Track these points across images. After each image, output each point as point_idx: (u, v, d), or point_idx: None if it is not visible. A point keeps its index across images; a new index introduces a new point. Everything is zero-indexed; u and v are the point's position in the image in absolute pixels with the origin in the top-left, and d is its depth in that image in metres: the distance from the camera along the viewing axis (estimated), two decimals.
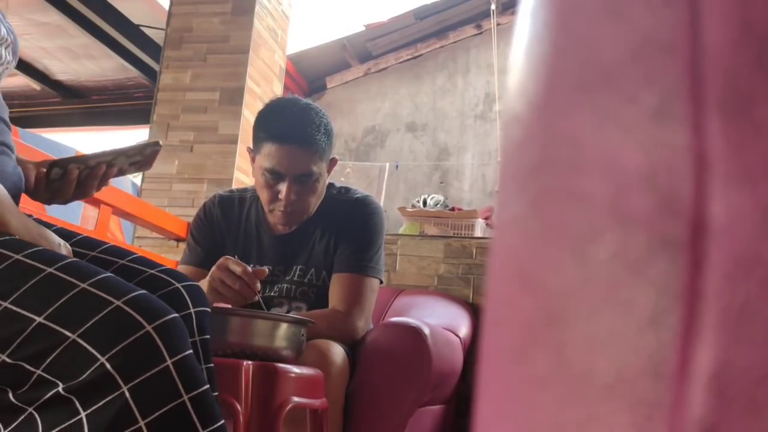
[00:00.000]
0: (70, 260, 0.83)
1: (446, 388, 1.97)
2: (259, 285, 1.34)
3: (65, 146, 3.96)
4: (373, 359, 1.54)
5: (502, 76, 4.42)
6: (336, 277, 1.57)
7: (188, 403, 0.75)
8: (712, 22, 0.16)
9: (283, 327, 1.22)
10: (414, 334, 1.59)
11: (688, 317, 0.15)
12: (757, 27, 0.15)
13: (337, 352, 1.45)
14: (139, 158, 1.17)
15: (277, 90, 3.53)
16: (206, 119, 3.21)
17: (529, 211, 0.20)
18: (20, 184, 0.98)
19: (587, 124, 0.18)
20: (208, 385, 0.79)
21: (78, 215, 3.57)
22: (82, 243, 1.04)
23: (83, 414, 0.71)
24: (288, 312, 1.57)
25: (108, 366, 0.72)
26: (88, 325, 0.75)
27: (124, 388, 0.72)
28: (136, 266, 0.99)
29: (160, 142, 1.18)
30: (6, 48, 0.98)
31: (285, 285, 1.60)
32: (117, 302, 0.76)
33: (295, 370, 1.21)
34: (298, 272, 1.61)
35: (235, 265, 1.33)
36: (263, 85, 3.38)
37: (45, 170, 1.08)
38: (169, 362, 0.75)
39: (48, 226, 1.05)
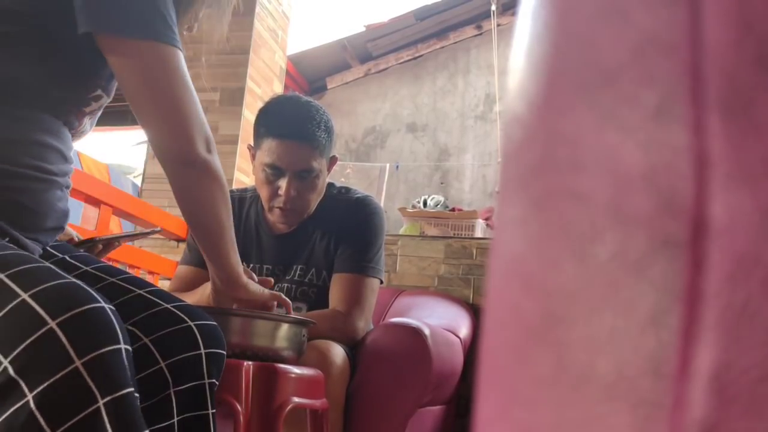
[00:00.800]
0: (9, 252, 0.77)
1: (446, 388, 1.97)
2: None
3: None
4: (374, 360, 1.54)
5: (502, 77, 4.42)
6: (336, 278, 1.57)
7: (103, 410, 0.65)
8: (713, 22, 0.16)
9: (285, 327, 1.22)
10: (414, 334, 1.59)
11: (688, 317, 0.15)
12: (756, 27, 0.15)
13: (338, 352, 1.45)
14: (141, 237, 1.44)
15: (278, 90, 3.53)
16: (207, 120, 3.21)
17: (530, 211, 0.20)
18: (63, 222, 0.99)
19: (587, 124, 0.18)
20: (131, 389, 0.69)
21: (78, 215, 3.57)
22: (102, 269, 1.04)
23: None
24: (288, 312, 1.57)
25: (11, 370, 0.64)
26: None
27: (29, 396, 0.63)
28: (151, 298, 0.98)
29: (161, 229, 1.39)
30: (91, 117, 1.04)
31: (285, 285, 1.60)
32: (23, 295, 0.67)
33: (296, 370, 1.21)
34: (298, 272, 1.61)
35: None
36: (263, 85, 3.38)
37: (77, 242, 1.20)
38: (77, 363, 0.65)
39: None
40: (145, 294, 0.97)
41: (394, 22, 4.97)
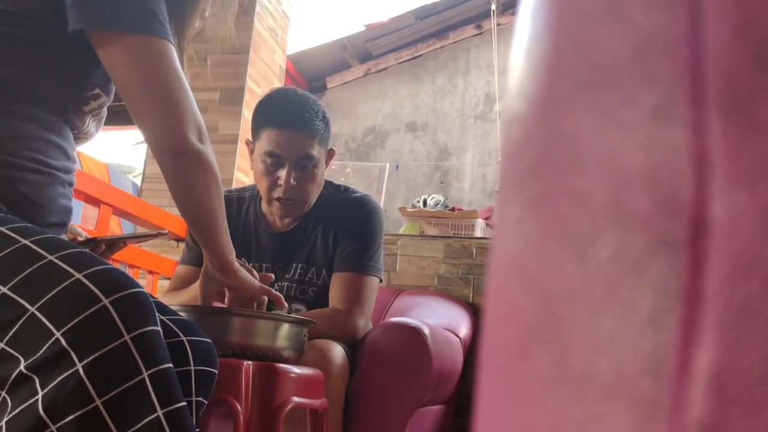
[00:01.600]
0: (49, 235, 0.82)
1: (446, 388, 1.97)
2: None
3: None
4: (374, 359, 1.54)
5: (502, 77, 4.42)
6: (336, 276, 1.57)
7: (147, 381, 0.72)
8: (712, 22, 0.16)
9: (285, 327, 1.22)
10: (414, 334, 1.59)
11: (688, 317, 0.15)
12: (756, 27, 0.15)
13: (338, 352, 1.45)
14: (147, 239, 1.36)
15: None
16: (206, 119, 3.19)
17: (530, 210, 0.20)
18: (65, 218, 0.99)
19: (587, 124, 0.18)
20: (171, 364, 0.76)
21: (78, 215, 3.57)
22: None
23: (40, 394, 0.68)
24: (288, 311, 1.57)
25: (63, 341, 0.69)
26: (47, 297, 0.72)
27: (79, 366, 0.69)
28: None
29: (167, 232, 1.37)
30: (95, 119, 1.05)
31: (285, 283, 1.61)
32: (78, 275, 0.74)
33: (296, 370, 1.21)
34: (298, 271, 1.61)
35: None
36: (263, 85, 3.38)
37: (80, 240, 1.20)
38: (126, 337, 0.71)
39: None
40: None
41: (393, 22, 4.97)
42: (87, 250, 0.86)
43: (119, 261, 2.29)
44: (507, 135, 0.22)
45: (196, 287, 1.42)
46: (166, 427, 0.72)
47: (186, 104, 0.98)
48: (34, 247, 0.78)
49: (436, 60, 5.12)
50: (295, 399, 1.16)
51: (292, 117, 1.53)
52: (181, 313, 1.18)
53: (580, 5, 0.19)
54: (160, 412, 0.72)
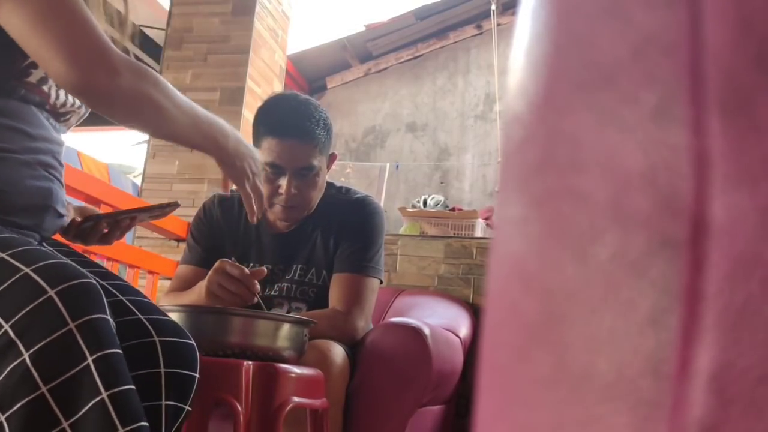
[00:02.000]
0: (6, 235, 0.83)
1: (446, 388, 1.97)
2: (258, 286, 1.33)
3: (68, 147, 3.96)
4: (374, 359, 1.54)
5: (502, 77, 4.42)
6: (336, 277, 1.57)
7: (92, 365, 0.73)
8: (712, 22, 0.16)
9: (286, 327, 1.22)
10: (414, 334, 1.59)
11: (688, 317, 0.15)
12: (756, 27, 0.15)
13: (338, 352, 1.45)
14: (158, 213, 1.26)
15: (278, 90, 3.53)
16: None
17: (530, 210, 0.20)
18: (41, 200, 0.96)
19: (587, 124, 0.18)
20: (118, 350, 0.77)
21: None
22: (95, 273, 1.03)
23: None
24: (288, 311, 1.57)
25: (11, 333, 0.72)
26: None
27: (25, 355, 0.71)
28: (129, 306, 0.96)
29: (179, 203, 1.25)
30: (53, 87, 1.00)
31: (285, 284, 1.60)
32: (26, 269, 0.76)
33: (296, 370, 1.21)
34: (298, 271, 1.61)
35: (233, 268, 1.32)
36: (263, 85, 3.38)
37: (79, 220, 1.15)
38: (71, 325, 0.73)
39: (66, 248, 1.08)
40: (125, 301, 0.97)
41: (394, 22, 4.97)
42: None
43: (120, 261, 2.29)
44: (507, 135, 0.22)
45: (197, 288, 1.43)
46: (110, 408, 0.73)
47: (81, 35, 0.86)
48: None
49: (437, 60, 5.12)
50: (296, 399, 1.16)
51: (293, 126, 1.51)
52: (179, 313, 1.18)
53: (580, 5, 0.19)
54: (104, 395, 0.73)
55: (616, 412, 0.16)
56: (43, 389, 0.71)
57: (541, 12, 0.21)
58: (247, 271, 1.33)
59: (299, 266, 1.61)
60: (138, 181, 3.97)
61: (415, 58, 5.15)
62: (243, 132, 3.19)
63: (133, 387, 0.78)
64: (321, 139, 1.53)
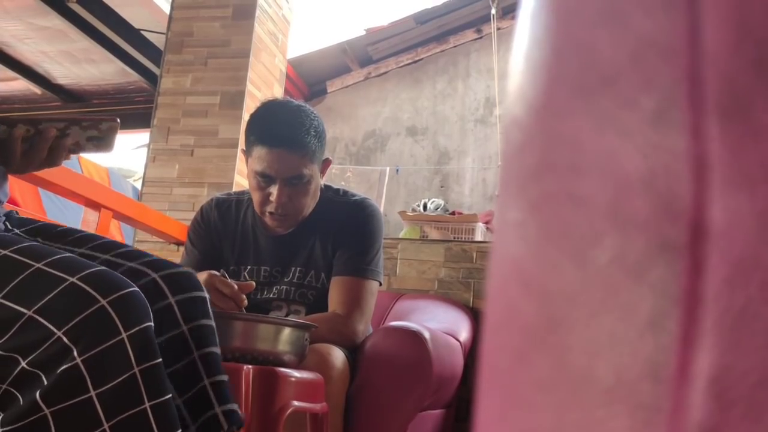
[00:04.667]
0: (27, 243, 0.86)
1: (447, 392, 1.97)
2: (246, 301, 1.34)
3: None
4: (374, 363, 1.54)
5: (502, 81, 4.43)
6: (335, 281, 1.57)
7: (138, 376, 0.77)
8: (711, 27, 0.16)
9: (287, 331, 1.22)
10: (414, 338, 1.59)
11: (687, 321, 0.15)
12: (755, 32, 0.15)
13: (338, 356, 1.45)
14: (96, 134, 1.10)
15: (278, 94, 3.53)
16: (207, 123, 3.22)
17: (530, 214, 0.20)
18: None
19: (587, 128, 0.18)
20: (160, 359, 0.81)
21: (79, 218, 3.57)
22: (76, 240, 1.03)
23: (41, 386, 0.75)
24: (286, 314, 1.57)
25: (65, 339, 0.75)
26: (44, 301, 0.77)
27: (78, 360, 0.75)
28: (118, 260, 0.98)
29: (118, 120, 1.11)
30: None
31: (284, 287, 1.60)
32: (72, 279, 0.79)
33: (296, 374, 1.21)
34: (297, 274, 1.60)
35: (223, 286, 1.33)
36: (264, 89, 3.39)
37: None
38: (124, 335, 0.77)
39: (47, 227, 1.07)
40: (111, 258, 0.99)
41: (394, 26, 4.97)
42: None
43: None
44: (507, 139, 0.22)
45: None
46: (151, 418, 0.78)
47: None
48: (17, 256, 0.82)
49: (437, 64, 5.13)
50: (296, 403, 1.16)
51: (283, 136, 1.50)
52: None
53: (579, 10, 0.19)
54: (147, 404, 0.78)
55: (615, 416, 0.16)
56: (92, 393, 0.75)
57: (540, 16, 0.21)
58: (236, 287, 1.33)
59: (298, 269, 1.60)
60: (138, 185, 3.98)
61: (415, 62, 5.15)
62: (243, 136, 3.19)
63: (170, 396, 0.82)
64: (312, 147, 1.52)
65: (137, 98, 5.59)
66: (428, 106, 5.07)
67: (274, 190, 1.51)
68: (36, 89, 5.45)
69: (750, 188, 0.15)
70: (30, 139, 1.03)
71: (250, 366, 1.13)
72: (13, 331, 0.77)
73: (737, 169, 0.15)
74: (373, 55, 5.17)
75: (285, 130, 1.51)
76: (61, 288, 0.78)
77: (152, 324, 0.82)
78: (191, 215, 3.16)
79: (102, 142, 1.10)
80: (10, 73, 5.07)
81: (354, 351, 1.56)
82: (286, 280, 1.60)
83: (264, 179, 1.52)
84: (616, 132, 0.17)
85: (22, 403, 0.74)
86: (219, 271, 1.38)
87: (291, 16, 3.74)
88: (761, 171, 0.15)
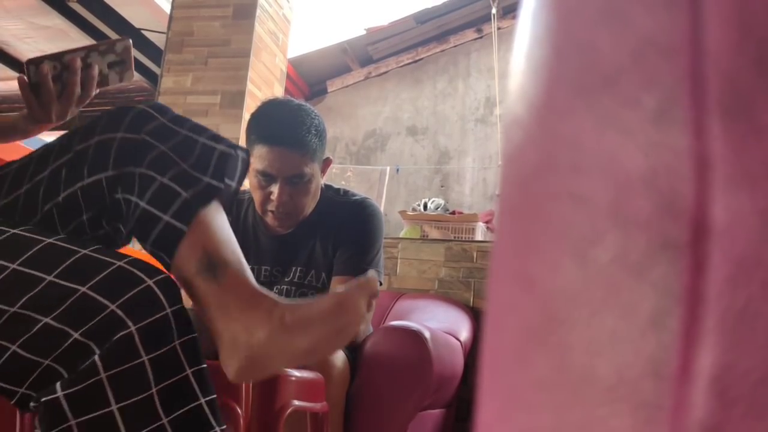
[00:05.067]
0: (63, 236, 0.94)
1: (447, 391, 1.97)
2: None
3: None
4: (374, 363, 1.54)
5: (502, 80, 4.43)
6: (336, 280, 1.57)
7: (179, 348, 0.86)
8: (713, 25, 0.16)
9: None
10: (415, 337, 1.59)
11: (689, 319, 0.15)
12: (756, 30, 0.15)
13: (338, 355, 1.45)
14: (114, 58, 1.15)
15: (278, 94, 3.53)
16: (207, 123, 3.20)
17: (530, 213, 0.20)
18: None
19: (588, 127, 0.18)
20: (195, 334, 0.89)
21: None
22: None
23: (97, 354, 0.82)
24: None
25: (119, 312, 0.83)
26: (96, 280, 0.85)
27: (133, 328, 0.83)
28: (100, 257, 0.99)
29: (129, 39, 1.16)
30: None
31: (284, 286, 1.60)
32: (119, 262, 0.88)
33: (296, 373, 1.21)
34: (298, 274, 1.61)
35: None
36: (264, 88, 3.39)
37: (23, 78, 1.08)
38: (168, 311, 0.86)
39: None
40: (90, 253, 1.01)
41: (394, 26, 4.97)
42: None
43: None
44: (507, 138, 0.22)
45: None
46: (194, 382, 0.87)
47: None
48: (62, 243, 0.90)
49: (437, 64, 5.13)
50: (296, 403, 1.16)
51: (283, 134, 1.51)
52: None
53: (580, 9, 0.19)
54: (188, 371, 0.87)
55: (617, 415, 0.16)
56: (144, 358, 0.83)
57: (541, 15, 0.21)
58: None
59: (298, 268, 1.61)
60: None
61: (415, 61, 5.15)
62: (244, 136, 3.20)
63: (206, 367, 0.89)
64: (312, 146, 1.52)
65: (137, 98, 5.60)
66: (428, 105, 5.07)
67: (275, 189, 1.52)
68: None
69: (752, 187, 0.15)
70: (59, 79, 1.10)
71: None
72: (65, 305, 0.83)
73: (739, 168, 0.15)
74: (373, 55, 5.17)
75: (286, 129, 1.51)
76: (110, 270, 0.87)
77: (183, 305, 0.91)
78: None
79: (122, 66, 1.17)
80: (11, 73, 5.07)
81: (354, 350, 1.56)
82: (286, 279, 1.61)
83: (265, 178, 1.52)
84: (618, 131, 0.17)
85: (83, 369, 0.81)
86: None
87: (291, 16, 3.74)
88: (763, 169, 0.15)
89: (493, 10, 4.24)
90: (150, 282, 0.87)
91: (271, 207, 1.54)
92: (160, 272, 0.90)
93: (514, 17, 4.53)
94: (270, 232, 1.64)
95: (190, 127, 1.02)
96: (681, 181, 0.16)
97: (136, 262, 0.91)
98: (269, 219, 1.57)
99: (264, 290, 0.95)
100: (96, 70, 1.13)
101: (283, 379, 1.15)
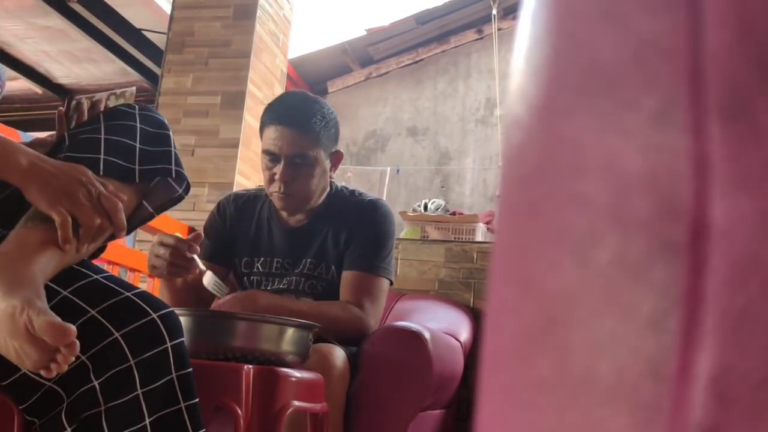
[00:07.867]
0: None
1: (447, 392, 1.97)
2: (196, 248, 1.36)
3: None
4: (374, 363, 1.54)
5: (503, 81, 4.43)
6: (347, 275, 1.59)
7: (175, 381, 0.89)
8: (712, 27, 0.16)
9: (291, 331, 1.22)
10: (415, 338, 1.59)
11: (688, 320, 0.15)
12: (756, 32, 0.15)
13: (338, 355, 1.45)
14: (123, 101, 1.22)
15: (279, 94, 3.53)
16: (207, 123, 3.22)
17: (530, 214, 0.20)
18: None
19: (588, 128, 0.18)
20: (191, 369, 0.93)
21: None
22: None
23: (95, 382, 0.84)
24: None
25: (121, 341, 0.87)
26: (105, 305, 0.88)
27: (132, 362, 0.86)
28: (110, 285, 0.97)
29: (134, 88, 1.25)
30: None
31: (294, 278, 1.63)
32: (127, 293, 0.91)
33: (296, 374, 1.20)
34: (308, 265, 1.63)
35: (167, 237, 1.38)
36: (264, 89, 3.39)
37: (62, 110, 1.11)
38: (168, 344, 0.90)
39: None
40: (101, 279, 1.01)
41: (395, 27, 4.98)
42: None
43: (119, 264, 2.29)
44: (508, 139, 0.22)
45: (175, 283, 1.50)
46: (185, 416, 0.89)
47: None
48: (77, 267, 0.94)
49: (437, 64, 5.13)
50: (296, 403, 1.16)
51: (289, 115, 1.57)
52: (182, 317, 1.19)
53: (580, 10, 0.19)
54: (182, 405, 0.89)
55: (616, 415, 0.16)
56: (139, 391, 0.86)
57: (541, 16, 0.21)
58: (181, 237, 1.37)
59: (309, 260, 1.63)
60: None
61: (415, 62, 5.15)
62: (244, 135, 3.20)
63: (198, 401, 0.93)
64: (316, 129, 1.56)
65: (138, 98, 5.60)
66: (429, 106, 5.08)
67: (278, 169, 1.55)
68: (37, 89, 5.45)
69: (751, 188, 0.15)
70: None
71: (250, 366, 1.13)
72: (76, 324, 0.85)
73: (738, 169, 0.15)
74: (373, 56, 5.17)
75: (292, 111, 1.58)
76: (118, 298, 0.90)
77: (184, 339, 0.95)
78: (192, 215, 3.15)
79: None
80: (11, 73, 5.07)
81: (354, 350, 1.56)
82: (296, 271, 1.63)
83: (270, 158, 1.57)
84: (617, 132, 0.17)
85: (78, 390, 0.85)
86: (226, 268, 1.41)
87: (292, 16, 3.74)
88: (762, 171, 0.15)
89: (494, 11, 4.24)
90: (154, 315, 0.90)
91: (274, 188, 1.57)
92: (166, 306, 0.94)
93: (514, 18, 4.53)
94: (283, 226, 1.67)
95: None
96: (680, 182, 0.16)
97: (146, 294, 0.94)
98: (275, 201, 1.61)
99: None
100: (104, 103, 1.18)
101: (283, 379, 1.15)
